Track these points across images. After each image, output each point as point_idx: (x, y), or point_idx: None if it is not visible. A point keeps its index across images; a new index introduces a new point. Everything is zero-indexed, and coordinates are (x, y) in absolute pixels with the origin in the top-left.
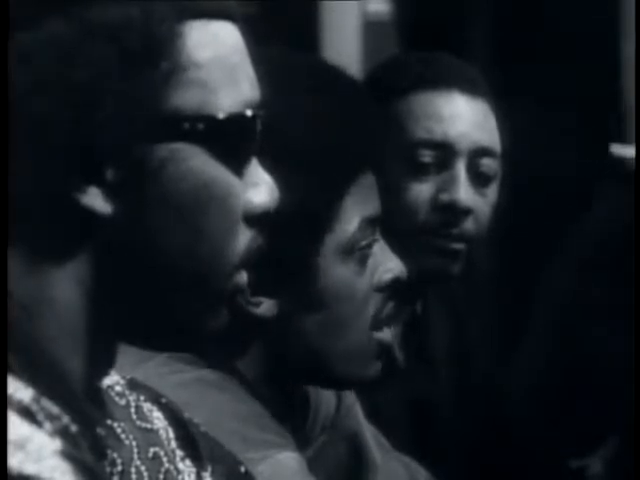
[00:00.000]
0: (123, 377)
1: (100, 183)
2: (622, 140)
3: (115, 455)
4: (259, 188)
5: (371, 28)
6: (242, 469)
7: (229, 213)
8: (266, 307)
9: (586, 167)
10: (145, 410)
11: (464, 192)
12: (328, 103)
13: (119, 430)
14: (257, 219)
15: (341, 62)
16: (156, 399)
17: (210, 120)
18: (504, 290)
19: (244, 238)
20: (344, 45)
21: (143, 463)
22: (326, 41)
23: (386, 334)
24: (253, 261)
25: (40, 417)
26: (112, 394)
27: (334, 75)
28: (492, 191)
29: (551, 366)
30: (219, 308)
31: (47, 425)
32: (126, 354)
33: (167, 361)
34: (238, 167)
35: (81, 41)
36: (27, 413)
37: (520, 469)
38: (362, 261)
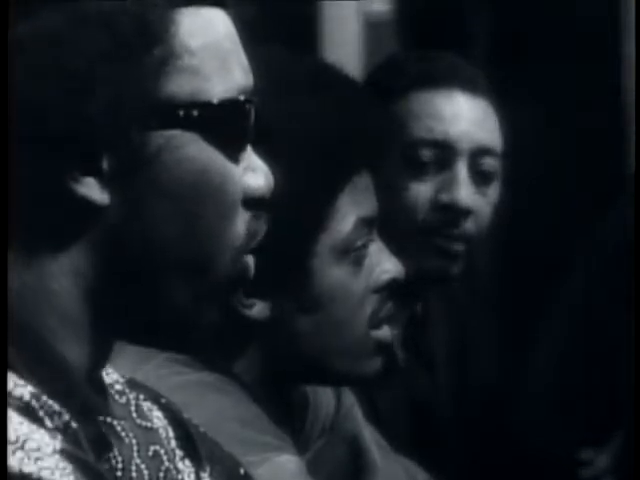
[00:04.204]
0: (122, 376)
1: (96, 173)
2: (622, 140)
3: (115, 453)
4: (256, 173)
5: (371, 28)
6: (241, 471)
7: (226, 198)
8: (259, 309)
9: (586, 166)
10: (145, 409)
11: (464, 192)
12: (326, 103)
13: (119, 428)
14: (255, 203)
15: (341, 62)
16: (156, 399)
17: (204, 106)
18: (504, 290)
19: (242, 222)
20: (344, 45)
21: (143, 461)
22: (326, 41)
23: (385, 332)
24: (255, 245)
25: (41, 413)
26: (112, 392)
27: (334, 75)
28: (493, 190)
29: (569, 364)
30: (222, 296)
31: (48, 422)
32: (125, 355)
33: (166, 363)
34: (234, 153)
35: (74, 29)
36: (27, 410)
37: (520, 470)
38: (358, 262)
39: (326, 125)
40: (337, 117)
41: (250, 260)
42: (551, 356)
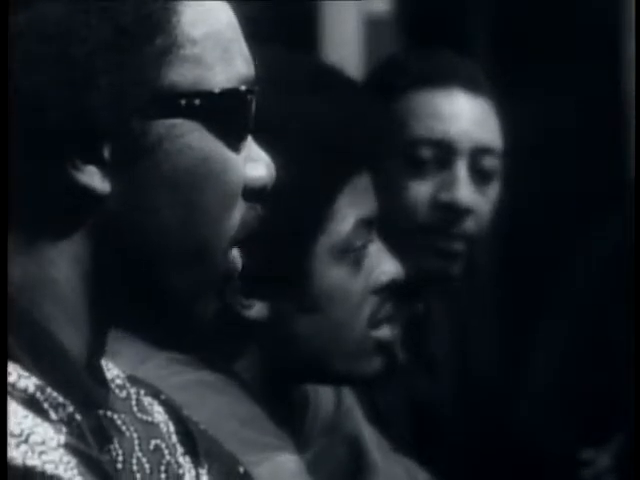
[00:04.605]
0: (123, 371)
1: (98, 161)
2: (622, 140)
3: (116, 445)
4: (257, 163)
5: (371, 28)
6: (241, 469)
7: (227, 188)
8: (258, 309)
9: (585, 166)
10: (146, 404)
11: (464, 191)
12: (325, 103)
13: (119, 422)
14: (255, 194)
15: (341, 62)
16: (156, 394)
17: (206, 95)
18: (504, 290)
19: (239, 212)
20: (344, 45)
21: (144, 455)
22: (326, 41)
23: (384, 332)
24: (248, 234)
25: (45, 405)
26: (112, 386)
27: (333, 75)
28: (493, 189)
29: (569, 364)
30: (220, 286)
31: (52, 414)
32: (125, 355)
33: (166, 363)
34: (235, 143)
35: (75, 18)
36: (32, 403)
37: (521, 470)
38: (357, 262)
39: (326, 125)
40: (337, 117)
41: (236, 254)
42: (551, 356)
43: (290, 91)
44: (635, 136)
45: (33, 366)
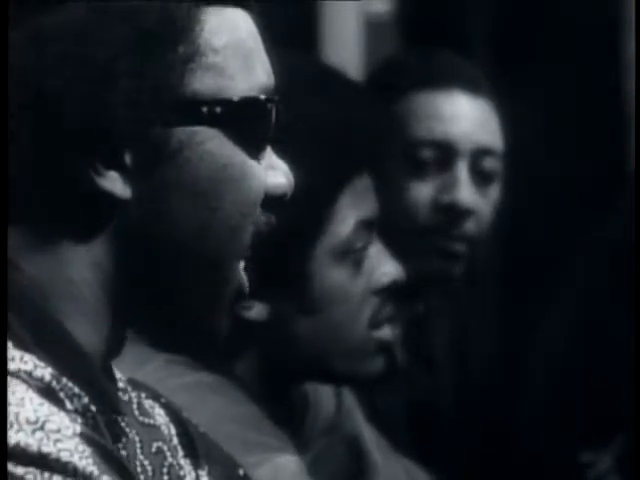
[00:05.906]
0: (124, 374)
1: (119, 167)
2: (622, 140)
3: (124, 444)
4: (276, 171)
5: (371, 28)
6: (240, 472)
7: (246, 195)
8: (258, 311)
9: (586, 166)
10: (147, 406)
11: (465, 193)
12: (325, 104)
13: (123, 424)
14: (274, 202)
15: (341, 62)
16: (156, 397)
17: (228, 104)
18: (505, 290)
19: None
20: (344, 45)
21: (146, 458)
22: (326, 41)
23: (386, 332)
24: (259, 241)
25: (61, 395)
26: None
27: (333, 76)
28: (494, 191)
29: (569, 365)
30: (232, 297)
31: (68, 404)
32: (124, 358)
33: (165, 365)
34: (255, 151)
35: (99, 23)
36: (48, 392)
37: (521, 471)
38: (357, 264)
39: (326, 126)
40: (337, 118)
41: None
42: (551, 356)
43: (290, 92)
44: (635, 136)
45: (47, 359)
